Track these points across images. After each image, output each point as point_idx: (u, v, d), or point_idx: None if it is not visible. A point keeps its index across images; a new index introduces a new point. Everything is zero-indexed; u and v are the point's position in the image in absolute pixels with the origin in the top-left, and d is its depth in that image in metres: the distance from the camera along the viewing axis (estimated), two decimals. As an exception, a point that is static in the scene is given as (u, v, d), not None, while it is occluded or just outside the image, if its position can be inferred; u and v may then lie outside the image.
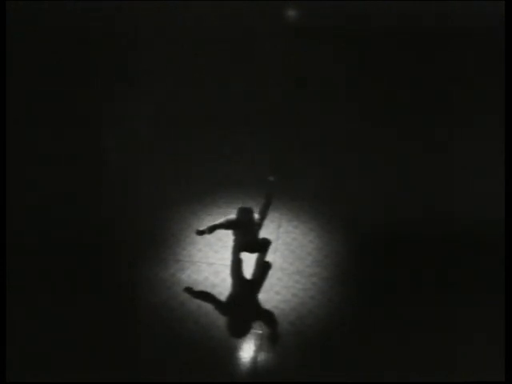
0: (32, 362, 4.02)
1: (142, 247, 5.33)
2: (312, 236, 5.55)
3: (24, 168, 6.28)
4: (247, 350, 4.18)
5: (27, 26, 8.87)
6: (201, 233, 4.66)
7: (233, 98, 7.88)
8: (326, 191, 6.28)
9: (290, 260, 5.18)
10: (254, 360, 4.09)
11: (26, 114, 7.12)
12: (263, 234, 5.32)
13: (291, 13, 10.00)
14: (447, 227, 5.66)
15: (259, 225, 5.04)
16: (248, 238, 4.99)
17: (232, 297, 4.70)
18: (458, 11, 9.09)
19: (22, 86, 7.46)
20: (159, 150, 6.96)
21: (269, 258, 5.19)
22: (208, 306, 4.54)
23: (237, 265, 5.07)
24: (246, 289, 4.83)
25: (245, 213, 4.78)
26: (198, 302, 4.60)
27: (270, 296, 4.68)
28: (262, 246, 5.19)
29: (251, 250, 5.12)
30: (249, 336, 4.29)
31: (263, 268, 5.03)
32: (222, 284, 4.81)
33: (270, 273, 4.99)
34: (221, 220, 4.81)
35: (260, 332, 4.32)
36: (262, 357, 4.12)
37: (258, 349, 4.18)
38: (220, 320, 4.42)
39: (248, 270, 5.03)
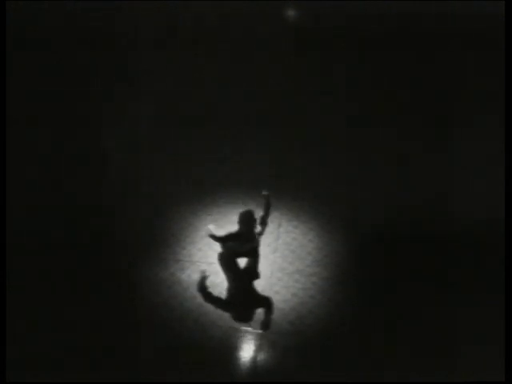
0: (32, 361, 4.02)
1: (142, 247, 5.32)
2: (312, 236, 5.55)
3: (24, 168, 6.28)
4: (247, 350, 4.18)
5: (27, 26, 8.89)
6: (214, 238, 4.39)
7: (233, 98, 7.87)
8: (326, 191, 6.27)
9: (290, 259, 5.17)
10: (254, 360, 4.09)
11: (25, 114, 7.13)
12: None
13: (291, 13, 10.02)
14: (447, 227, 5.65)
15: (260, 233, 4.87)
16: (248, 246, 4.84)
17: (232, 296, 4.70)
18: (458, 11, 9.12)
19: (21, 86, 7.47)
20: (159, 150, 6.95)
21: (269, 257, 5.19)
22: (208, 306, 4.53)
23: (234, 267, 5.01)
24: (245, 289, 4.81)
25: (247, 218, 4.45)
26: (198, 301, 4.59)
27: (269, 296, 4.67)
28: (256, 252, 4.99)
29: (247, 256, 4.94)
30: (249, 336, 4.29)
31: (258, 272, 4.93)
32: (221, 284, 4.80)
33: (270, 273, 4.99)
34: (227, 233, 4.43)
35: (260, 332, 4.32)
36: (261, 357, 4.12)
37: (258, 349, 4.18)
38: (220, 320, 4.42)
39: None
